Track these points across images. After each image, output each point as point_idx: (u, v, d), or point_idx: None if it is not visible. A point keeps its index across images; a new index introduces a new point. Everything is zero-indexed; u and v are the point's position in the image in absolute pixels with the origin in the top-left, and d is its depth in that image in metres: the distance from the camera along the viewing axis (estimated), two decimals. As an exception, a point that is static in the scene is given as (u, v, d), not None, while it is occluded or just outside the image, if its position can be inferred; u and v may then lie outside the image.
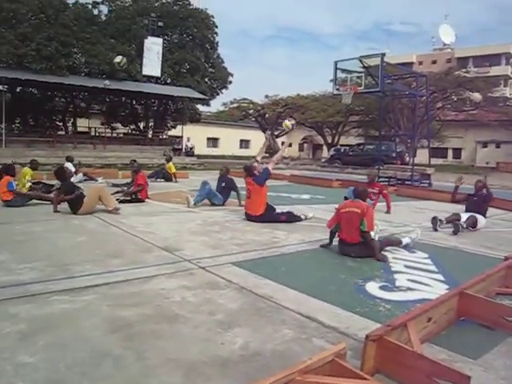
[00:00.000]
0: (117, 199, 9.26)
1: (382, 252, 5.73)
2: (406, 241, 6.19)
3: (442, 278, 4.84)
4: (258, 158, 8.86)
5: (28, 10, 23.03)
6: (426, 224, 8.10)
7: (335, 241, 5.97)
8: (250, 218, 7.99)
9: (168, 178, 15.55)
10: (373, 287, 4.42)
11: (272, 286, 4.26)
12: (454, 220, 7.75)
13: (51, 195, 9.04)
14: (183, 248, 5.68)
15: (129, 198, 9.92)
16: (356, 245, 5.60)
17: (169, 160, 16.55)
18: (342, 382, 2.27)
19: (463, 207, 8.39)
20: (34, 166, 10.39)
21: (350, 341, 3.08)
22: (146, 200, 10.07)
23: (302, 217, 8.25)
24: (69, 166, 12.84)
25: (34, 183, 10.29)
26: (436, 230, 7.64)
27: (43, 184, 11.12)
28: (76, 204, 8.01)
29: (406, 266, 5.27)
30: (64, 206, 8.18)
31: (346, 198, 7.88)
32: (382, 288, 4.41)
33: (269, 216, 7.92)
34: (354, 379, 2.30)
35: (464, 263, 5.67)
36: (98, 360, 2.72)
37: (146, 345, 2.94)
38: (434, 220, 7.79)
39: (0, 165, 9.46)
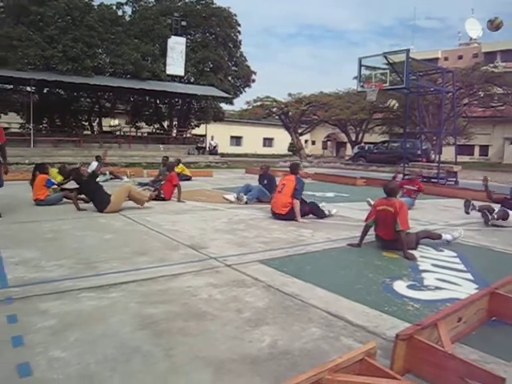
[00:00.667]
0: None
1: (411, 251, 5.66)
2: (447, 237, 6.18)
3: (471, 277, 4.75)
4: None
5: (55, 12, 23.43)
6: (453, 222, 7.98)
7: (364, 240, 5.94)
8: (275, 215, 7.97)
9: (188, 178, 15.54)
10: (401, 286, 4.36)
11: (299, 285, 4.24)
12: (485, 209, 7.67)
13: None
14: (209, 246, 5.70)
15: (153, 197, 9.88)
16: (392, 240, 5.67)
17: (179, 163, 16.66)
18: (373, 381, 2.24)
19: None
20: (63, 172, 10.50)
21: (379, 340, 3.04)
22: (172, 199, 10.12)
23: (326, 212, 8.24)
24: (93, 165, 12.96)
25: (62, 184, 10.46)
26: (468, 212, 7.56)
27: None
28: (102, 202, 8.11)
29: (434, 265, 5.19)
30: (90, 205, 8.32)
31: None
32: (409, 287, 4.35)
33: (293, 213, 7.79)
34: (385, 379, 2.27)
35: (493, 262, 5.57)
36: (127, 356, 2.74)
37: (174, 342, 2.96)
38: (467, 203, 7.72)
39: (30, 164, 9.64)
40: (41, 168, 9.09)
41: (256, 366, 2.67)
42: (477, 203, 8.06)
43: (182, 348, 2.87)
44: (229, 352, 2.83)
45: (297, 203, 7.76)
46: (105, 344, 2.89)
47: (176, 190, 10.05)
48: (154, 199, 9.56)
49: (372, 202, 8.87)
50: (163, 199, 9.93)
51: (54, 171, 10.12)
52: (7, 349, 2.80)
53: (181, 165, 16.16)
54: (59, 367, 2.58)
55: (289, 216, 7.75)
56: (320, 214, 8.16)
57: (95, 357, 2.72)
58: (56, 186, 9.53)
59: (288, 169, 8.40)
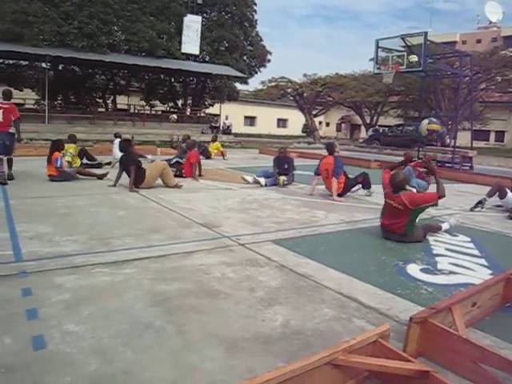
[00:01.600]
0: None
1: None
2: (445, 226, 6.02)
3: (485, 262, 4.71)
4: None
5: (70, -12, 23.29)
6: (467, 207, 7.90)
7: (376, 222, 5.87)
8: (331, 194, 8.39)
9: (208, 155, 15.53)
10: (414, 269, 4.33)
11: (312, 265, 4.23)
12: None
13: (93, 171, 9.29)
14: (222, 224, 5.70)
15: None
16: (397, 234, 5.43)
17: (214, 140, 16.88)
18: (386, 363, 2.22)
19: None
20: (73, 139, 10.56)
21: (392, 322, 3.02)
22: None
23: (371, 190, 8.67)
24: (116, 143, 12.89)
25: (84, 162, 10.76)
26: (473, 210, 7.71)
27: (90, 156, 11.39)
28: (137, 178, 8.20)
29: (448, 250, 5.15)
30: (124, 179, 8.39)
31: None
32: (423, 270, 4.32)
33: (348, 188, 8.53)
34: (399, 361, 2.25)
35: (508, 248, 5.50)
36: (139, 332, 2.75)
37: (187, 319, 2.97)
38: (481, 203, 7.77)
39: (46, 140, 9.79)
40: (55, 145, 9.11)
41: (268, 345, 2.66)
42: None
43: (195, 325, 2.88)
44: (241, 330, 2.83)
45: (335, 182, 8.21)
46: (118, 319, 2.91)
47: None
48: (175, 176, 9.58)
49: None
50: (183, 177, 10.00)
51: (71, 146, 10.20)
52: (22, 321, 2.83)
53: (217, 142, 16.46)
54: (72, 341, 2.60)
55: (344, 192, 8.50)
56: (368, 186, 8.66)
57: (108, 332, 2.74)
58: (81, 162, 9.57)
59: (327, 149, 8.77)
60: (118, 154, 9.41)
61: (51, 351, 2.49)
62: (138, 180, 8.23)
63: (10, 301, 3.11)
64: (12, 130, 8.66)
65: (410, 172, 8.77)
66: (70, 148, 9.95)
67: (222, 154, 16.06)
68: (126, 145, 8.79)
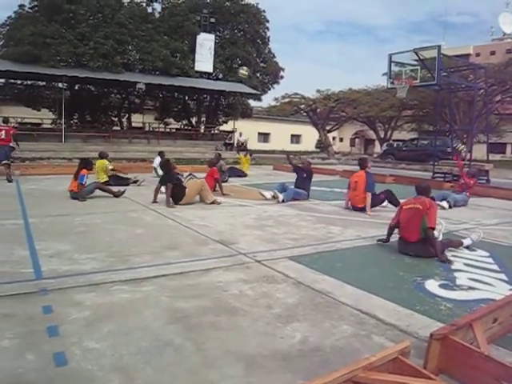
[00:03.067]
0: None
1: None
2: (466, 242, 5.92)
3: (505, 277, 4.65)
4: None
5: (86, 10, 23.86)
6: (484, 221, 7.82)
7: (393, 238, 5.83)
8: (355, 209, 8.61)
9: (243, 174, 15.91)
10: (432, 285, 4.30)
11: (329, 282, 4.22)
12: None
13: (112, 189, 9.60)
14: (238, 241, 5.71)
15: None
16: (416, 243, 5.38)
17: (246, 154, 17.14)
18: (408, 381, 2.21)
19: None
20: (104, 155, 11.23)
21: (411, 339, 2.99)
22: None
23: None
24: (157, 160, 13.57)
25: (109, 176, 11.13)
26: None
27: (118, 177, 11.61)
28: (178, 195, 8.61)
29: (466, 265, 5.10)
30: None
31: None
32: (442, 286, 4.28)
33: (372, 204, 8.46)
34: (420, 378, 2.24)
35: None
36: (159, 349, 2.77)
37: (206, 336, 2.98)
38: None
39: (62, 159, 10.21)
40: (84, 163, 9.38)
41: (287, 363, 2.66)
42: (503, 213, 7.90)
43: (214, 342, 2.89)
44: (260, 347, 2.84)
45: (369, 196, 8.37)
46: (138, 336, 2.93)
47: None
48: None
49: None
50: None
51: (102, 162, 10.87)
52: (43, 338, 2.87)
53: (245, 157, 16.83)
54: (93, 358, 2.63)
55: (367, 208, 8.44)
56: (395, 202, 8.44)
57: (128, 349, 2.76)
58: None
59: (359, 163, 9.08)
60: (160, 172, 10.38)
61: (72, 368, 2.51)
62: (178, 197, 8.62)
63: (31, 318, 3.16)
64: (12, 143, 12.44)
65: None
66: (103, 163, 10.87)
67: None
68: (166, 164, 9.22)
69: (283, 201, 9.49)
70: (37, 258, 4.64)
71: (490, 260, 5.34)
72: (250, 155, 17.40)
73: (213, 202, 8.87)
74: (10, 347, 2.73)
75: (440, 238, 5.69)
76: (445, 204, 9.37)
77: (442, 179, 15.98)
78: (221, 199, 9.23)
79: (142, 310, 3.37)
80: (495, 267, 5.04)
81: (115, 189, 9.62)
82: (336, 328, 3.18)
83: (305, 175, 10.26)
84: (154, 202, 8.73)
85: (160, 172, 10.43)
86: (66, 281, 3.96)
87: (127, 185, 11.21)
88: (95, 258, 4.73)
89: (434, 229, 5.42)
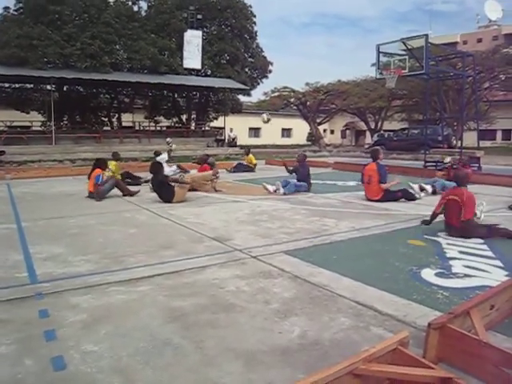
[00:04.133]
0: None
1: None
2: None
3: (500, 264, 4.67)
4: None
5: (72, 11, 23.72)
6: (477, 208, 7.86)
7: (389, 228, 5.86)
8: (369, 199, 8.81)
9: (250, 169, 16.05)
10: (429, 274, 4.31)
11: (326, 275, 4.22)
12: None
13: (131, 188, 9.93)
14: (233, 238, 5.71)
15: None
16: (457, 228, 5.86)
17: (247, 153, 17.09)
18: (408, 371, 2.21)
19: None
20: (116, 156, 11.41)
21: (410, 329, 2.99)
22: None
23: (417, 195, 8.96)
24: (163, 157, 13.85)
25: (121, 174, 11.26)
26: None
27: (130, 176, 11.63)
28: (168, 194, 8.62)
29: (462, 252, 5.12)
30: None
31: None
32: (438, 275, 4.29)
33: (387, 197, 8.67)
34: (420, 368, 2.24)
35: (523, 248, 5.44)
36: (158, 349, 2.76)
37: (204, 334, 2.97)
38: None
39: (53, 161, 10.23)
40: (98, 163, 9.60)
41: (286, 358, 2.66)
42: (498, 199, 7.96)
43: (212, 340, 2.88)
44: (259, 343, 2.83)
45: (385, 185, 8.69)
46: (136, 337, 2.92)
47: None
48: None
49: (413, 186, 9.42)
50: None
51: (112, 163, 10.84)
52: (41, 343, 2.85)
53: (251, 155, 16.77)
54: (92, 361, 2.61)
55: (382, 199, 8.63)
56: (411, 197, 8.87)
57: (127, 350, 2.75)
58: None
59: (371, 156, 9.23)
60: (167, 169, 10.92)
61: (71, 372, 2.50)
62: (170, 196, 8.61)
63: (28, 323, 3.13)
64: None
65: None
66: (111, 164, 10.61)
67: (254, 166, 16.48)
68: (155, 168, 8.98)
69: (285, 194, 9.74)
70: (31, 262, 4.61)
71: (485, 247, 5.37)
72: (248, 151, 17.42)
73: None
74: (8, 353, 2.71)
75: (482, 218, 6.55)
76: (428, 188, 9.49)
77: (433, 168, 16.04)
78: (214, 195, 9.23)
79: (139, 311, 3.36)
80: (490, 254, 5.06)
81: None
82: (334, 321, 3.19)
83: (301, 170, 10.49)
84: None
85: (167, 169, 10.86)
86: (61, 284, 3.94)
87: (139, 184, 11.28)
88: (90, 260, 4.70)
89: (469, 219, 5.85)
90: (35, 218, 7.04)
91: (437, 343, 2.61)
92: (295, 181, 10.24)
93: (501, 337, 2.94)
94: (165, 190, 8.63)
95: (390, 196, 8.73)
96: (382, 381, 2.30)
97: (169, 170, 11.99)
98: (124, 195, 9.52)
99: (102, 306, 3.44)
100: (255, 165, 16.46)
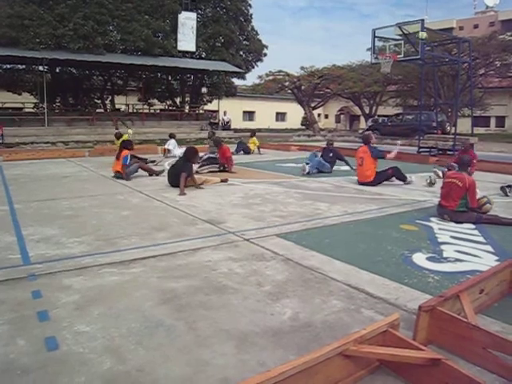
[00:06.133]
0: (207, 170, 10.70)
1: None
2: None
3: (491, 249, 4.72)
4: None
5: (65, -11, 23.26)
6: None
7: (376, 213, 5.88)
8: (361, 183, 8.94)
9: (248, 151, 16.20)
10: (420, 258, 4.35)
11: (318, 258, 4.25)
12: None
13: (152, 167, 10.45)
14: (226, 220, 5.72)
15: (217, 170, 10.84)
16: (453, 211, 5.89)
17: (252, 135, 17.13)
18: (398, 352, 2.24)
19: None
20: (118, 135, 12.15)
21: (400, 312, 3.03)
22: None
23: (409, 178, 9.00)
24: (171, 142, 14.36)
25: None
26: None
27: (136, 157, 11.60)
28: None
29: (453, 237, 5.16)
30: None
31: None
32: (429, 259, 4.33)
33: (378, 179, 8.83)
34: (410, 349, 2.27)
35: (513, 233, 5.49)
36: (150, 330, 2.78)
37: (197, 315, 2.99)
38: (506, 188, 8.04)
39: (46, 143, 10.24)
40: (125, 144, 9.77)
41: (278, 339, 2.68)
42: (491, 185, 8.02)
43: (205, 321, 2.90)
44: (251, 325, 2.86)
45: (390, 155, 9.17)
46: (128, 318, 2.93)
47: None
48: (222, 170, 10.80)
49: (440, 173, 9.39)
50: (227, 171, 10.74)
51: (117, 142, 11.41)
52: (34, 323, 2.86)
53: (254, 138, 16.91)
54: (85, 341, 2.63)
55: (374, 182, 8.79)
56: (402, 178, 9.00)
57: (119, 331, 2.76)
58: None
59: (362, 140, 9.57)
60: (178, 151, 11.52)
61: (64, 352, 2.51)
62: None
63: (21, 304, 3.14)
64: None
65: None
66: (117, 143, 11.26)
67: (259, 149, 16.60)
68: (192, 153, 8.62)
69: (308, 173, 10.23)
70: (24, 244, 4.60)
71: (476, 232, 5.41)
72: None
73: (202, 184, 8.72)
74: (1, 333, 2.72)
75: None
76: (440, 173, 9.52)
77: (427, 153, 16.06)
78: (209, 178, 9.20)
79: (131, 292, 3.37)
80: (481, 239, 5.10)
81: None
82: (326, 303, 3.21)
83: (331, 154, 11.22)
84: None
85: (177, 153, 11.47)
86: (54, 265, 3.94)
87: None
88: (83, 242, 4.70)
89: (475, 209, 5.92)
90: (28, 200, 7.01)
91: (427, 325, 2.64)
92: (321, 159, 10.87)
93: (490, 320, 2.98)
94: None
95: (381, 177, 8.86)
96: (372, 362, 2.34)
97: (180, 151, 12.05)
98: (150, 175, 9.87)
99: (94, 288, 3.45)
100: (259, 147, 16.63)
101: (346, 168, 11.16)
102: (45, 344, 2.59)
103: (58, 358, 2.46)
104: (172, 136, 14.83)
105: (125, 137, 12.77)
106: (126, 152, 9.33)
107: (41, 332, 2.73)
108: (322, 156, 11.15)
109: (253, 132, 17.78)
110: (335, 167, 11.27)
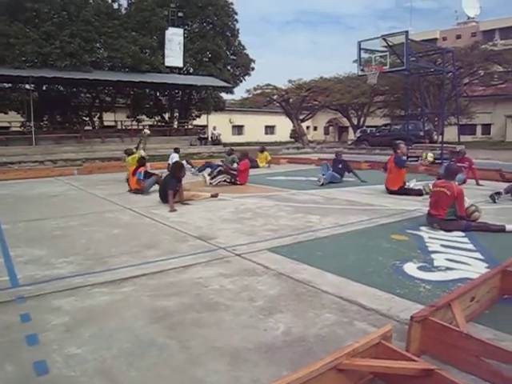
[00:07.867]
0: (219, 181, 11.12)
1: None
2: (509, 228, 5.92)
3: (480, 256, 4.75)
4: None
5: (50, 8, 23.22)
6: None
7: (371, 223, 5.90)
8: (389, 191, 9.35)
9: (256, 166, 15.99)
10: (411, 268, 4.36)
11: (310, 271, 4.24)
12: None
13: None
14: (217, 236, 5.69)
15: (228, 181, 11.25)
16: (442, 220, 5.93)
17: (262, 150, 17.22)
18: (391, 364, 2.23)
19: None
20: (129, 152, 12.11)
21: (393, 323, 3.03)
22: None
23: (423, 191, 9.08)
24: (174, 157, 14.19)
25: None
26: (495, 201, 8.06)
27: (146, 172, 11.62)
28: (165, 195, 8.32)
29: (443, 246, 5.18)
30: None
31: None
32: (420, 268, 4.34)
33: (404, 190, 9.17)
34: (403, 361, 2.26)
35: (502, 241, 5.49)
36: (142, 350, 2.74)
37: (189, 334, 2.96)
38: (495, 195, 8.12)
39: (35, 162, 10.21)
40: (140, 161, 10.30)
41: (271, 355, 2.66)
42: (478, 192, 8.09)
43: (197, 339, 2.87)
44: (244, 341, 2.83)
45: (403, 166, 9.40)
46: (120, 338, 2.90)
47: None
48: (233, 183, 11.24)
49: (430, 186, 9.33)
50: (238, 184, 11.22)
51: (128, 159, 11.65)
52: (23, 347, 2.81)
53: (266, 153, 17.08)
54: (76, 364, 2.59)
55: (400, 191, 9.15)
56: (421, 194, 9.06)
57: (111, 352, 2.72)
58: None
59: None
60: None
61: (55, 375, 2.47)
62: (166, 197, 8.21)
63: (9, 327, 3.09)
64: None
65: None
66: (127, 160, 11.77)
67: (269, 163, 16.76)
68: (178, 169, 8.49)
69: (322, 184, 10.69)
70: (12, 265, 4.54)
71: (466, 240, 5.45)
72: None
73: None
74: (-11, 358, 2.67)
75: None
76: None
77: (415, 162, 16.16)
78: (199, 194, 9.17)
79: (122, 312, 3.34)
80: (471, 246, 5.14)
81: None
82: (319, 317, 3.20)
83: (340, 166, 11.72)
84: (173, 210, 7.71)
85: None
86: (43, 287, 3.89)
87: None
88: (72, 262, 4.65)
89: (464, 217, 6.00)
90: (15, 221, 6.94)
91: (419, 336, 2.64)
92: (333, 173, 11.35)
93: (481, 327, 3.00)
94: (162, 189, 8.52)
95: (406, 191, 9.20)
96: (366, 375, 2.32)
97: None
98: None
99: (85, 308, 3.41)
100: (269, 162, 16.86)
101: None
102: (34, 369, 2.54)
103: (48, 382, 2.42)
104: (176, 151, 14.99)
105: (139, 153, 12.78)
106: (141, 169, 9.94)
107: (30, 356, 2.69)
108: (332, 167, 11.66)
109: (262, 147, 17.70)
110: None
